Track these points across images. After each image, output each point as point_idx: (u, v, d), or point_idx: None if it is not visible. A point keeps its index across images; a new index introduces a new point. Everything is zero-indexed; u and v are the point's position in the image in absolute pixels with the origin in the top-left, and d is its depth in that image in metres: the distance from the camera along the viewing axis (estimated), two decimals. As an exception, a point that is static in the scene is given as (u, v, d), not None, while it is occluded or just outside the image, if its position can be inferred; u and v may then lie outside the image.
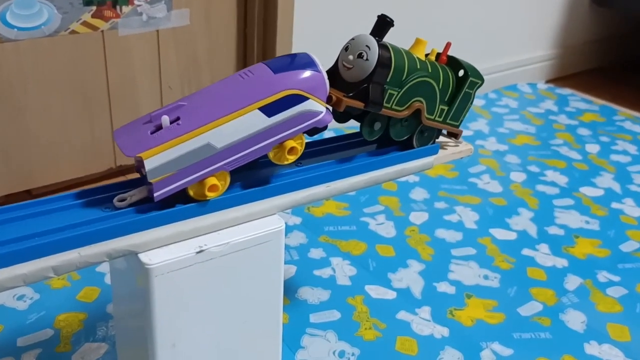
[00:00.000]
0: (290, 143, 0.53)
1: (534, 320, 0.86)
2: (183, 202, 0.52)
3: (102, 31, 1.02)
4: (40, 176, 1.06)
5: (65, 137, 1.05)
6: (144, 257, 0.49)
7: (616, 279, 0.95)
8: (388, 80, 0.58)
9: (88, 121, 1.07)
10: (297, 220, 1.05)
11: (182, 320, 0.53)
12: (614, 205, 1.17)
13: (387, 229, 1.04)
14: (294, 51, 1.20)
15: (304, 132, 0.54)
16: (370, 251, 0.98)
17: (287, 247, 0.97)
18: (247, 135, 0.51)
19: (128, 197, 0.51)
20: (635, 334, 0.84)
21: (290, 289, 0.89)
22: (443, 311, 0.86)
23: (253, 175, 0.57)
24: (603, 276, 0.96)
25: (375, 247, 0.99)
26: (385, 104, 0.58)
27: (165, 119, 0.49)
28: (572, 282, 0.94)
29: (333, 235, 1.01)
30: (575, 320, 0.86)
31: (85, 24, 1.00)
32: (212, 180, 0.51)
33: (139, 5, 1.04)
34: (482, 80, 0.67)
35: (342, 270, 0.93)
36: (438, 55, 0.66)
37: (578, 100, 1.70)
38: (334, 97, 0.56)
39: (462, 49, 1.53)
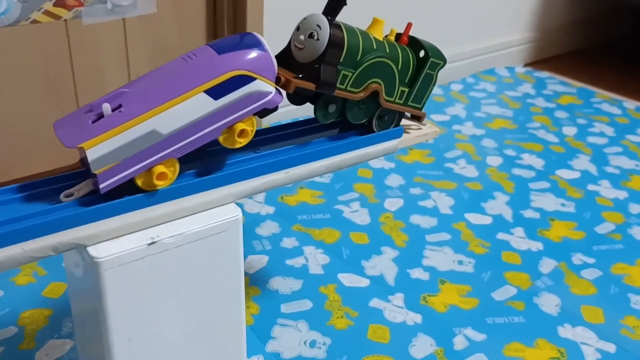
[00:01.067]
0: (240, 126, 0.52)
1: (508, 305, 0.85)
2: (132, 193, 0.50)
3: (66, 20, 0.99)
4: (8, 170, 1.03)
5: (31, 129, 1.03)
6: (92, 250, 0.48)
7: (591, 261, 0.95)
8: (341, 60, 0.56)
9: (55, 113, 1.04)
10: (270, 209, 1.03)
11: (136, 314, 0.51)
12: (590, 187, 1.16)
13: (361, 217, 1.03)
14: (266, 37, 1.18)
15: (254, 114, 0.52)
16: (344, 239, 0.97)
17: (260, 237, 0.96)
18: (194, 119, 0.49)
19: (75, 191, 0.50)
20: (609, 315, 0.84)
21: (261, 279, 0.87)
22: (416, 298, 0.85)
23: (208, 163, 0.55)
24: (578, 258, 0.96)
25: (349, 234, 0.98)
26: (339, 86, 0.57)
27: (107, 107, 0.47)
28: (547, 265, 0.94)
29: (306, 223, 1.00)
30: (549, 303, 0.86)
31: (47, 13, 0.97)
32: (160, 169, 0.49)
33: (102, -7, 1.01)
34: (444, 60, 0.65)
35: (315, 259, 0.92)
36: (398, 35, 0.65)
37: (556, 83, 1.69)
38: (282, 78, 0.54)
39: (439, 33, 1.52)
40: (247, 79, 0.50)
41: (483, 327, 0.81)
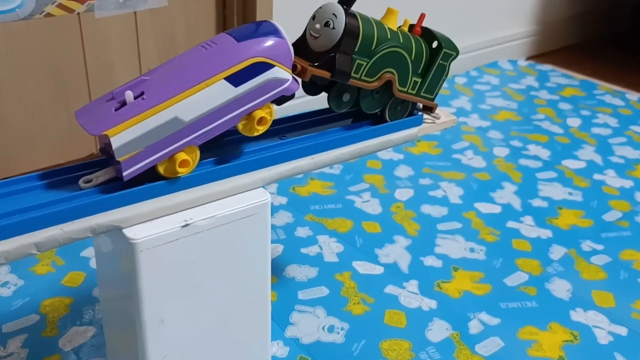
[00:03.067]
0: (259, 113, 0.52)
1: (520, 290, 0.86)
2: (153, 181, 0.50)
3: (78, 13, 1.00)
4: (17, 164, 1.04)
5: (41, 123, 1.03)
6: (128, 232, 0.49)
7: (600, 247, 0.97)
8: (356, 49, 0.57)
9: (65, 106, 1.05)
10: (282, 200, 1.04)
11: (169, 295, 0.52)
12: (596, 176, 1.18)
13: (372, 206, 1.04)
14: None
15: (271, 102, 0.53)
16: (357, 228, 0.98)
17: (274, 227, 0.97)
18: (215, 106, 0.50)
19: (94, 178, 0.50)
20: (619, 299, 0.85)
21: (277, 267, 0.88)
22: (430, 284, 0.87)
23: (237, 149, 0.56)
24: (587, 245, 0.97)
25: (361, 224, 0.99)
26: (353, 75, 0.57)
27: (129, 95, 0.47)
28: (557, 252, 0.95)
29: (319, 213, 1.01)
30: (560, 288, 0.87)
31: (61, 6, 0.98)
32: (182, 156, 0.50)
33: (115, -14, 1.02)
34: (457, 51, 0.66)
35: (329, 248, 0.93)
36: (412, 26, 0.66)
37: (558, 75, 1.71)
38: (298, 66, 0.55)
39: (442, 26, 1.53)
40: (266, 66, 0.51)
41: (497, 311, 0.82)
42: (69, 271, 0.86)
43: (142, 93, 0.48)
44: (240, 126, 0.53)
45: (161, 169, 0.50)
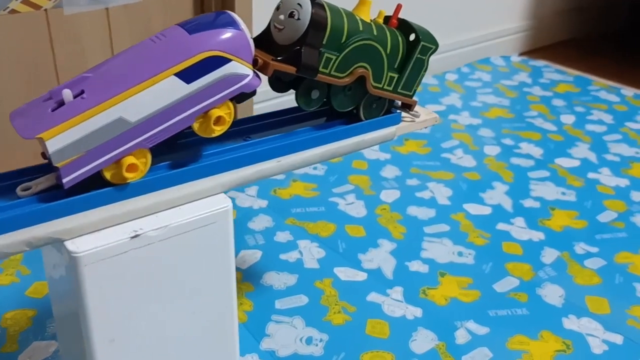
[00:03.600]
0: (216, 112, 0.48)
1: (510, 296, 0.82)
2: (99, 188, 0.46)
3: (46, 10, 0.96)
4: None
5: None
6: (70, 244, 0.44)
7: (594, 250, 0.92)
8: (324, 42, 0.52)
9: (37, 107, 1.00)
10: (263, 203, 1.00)
11: (119, 313, 0.48)
12: (590, 175, 1.14)
13: (357, 209, 1.00)
14: (255, 22, 1.15)
15: (230, 99, 0.49)
16: (340, 232, 0.93)
17: (252, 232, 0.93)
18: (165, 105, 0.45)
19: (34, 185, 0.46)
20: (614, 305, 0.81)
21: (255, 275, 0.84)
22: (416, 291, 0.82)
23: (195, 151, 0.52)
24: (580, 248, 0.93)
25: (344, 227, 0.95)
26: (321, 69, 0.53)
27: (67, 93, 0.43)
28: (549, 255, 0.91)
29: (301, 217, 0.97)
30: (553, 294, 0.83)
31: (26, 2, 0.93)
32: (129, 160, 0.46)
33: (84, -19, 0.97)
34: (436, 44, 0.62)
35: (310, 253, 0.88)
36: (387, 18, 0.61)
37: (552, 71, 1.67)
38: (260, 61, 0.50)
39: (433, 22, 1.49)
40: (222, 61, 0.46)
41: (485, 320, 0.78)
42: (34, 281, 0.81)
43: (82, 92, 0.44)
44: (195, 126, 0.48)
45: (108, 175, 0.46)
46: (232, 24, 0.48)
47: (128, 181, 0.46)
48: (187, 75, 0.45)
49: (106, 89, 0.44)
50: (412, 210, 1.00)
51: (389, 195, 1.04)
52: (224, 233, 0.51)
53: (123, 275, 0.46)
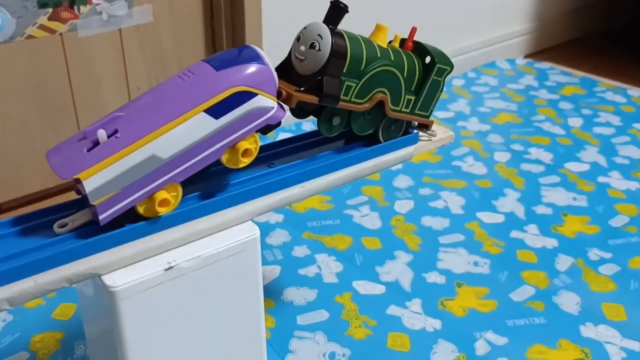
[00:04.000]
0: (244, 145, 0.49)
1: (527, 305, 0.83)
2: (133, 222, 0.47)
3: (61, 34, 0.97)
4: (6, 189, 1.01)
5: (29, 146, 1.00)
6: (107, 279, 0.46)
7: (608, 255, 0.93)
8: (344, 71, 0.54)
9: (53, 128, 1.02)
10: (279, 217, 1.01)
11: (155, 341, 0.49)
12: (601, 179, 1.15)
13: (372, 221, 1.01)
14: (265, 40, 1.16)
15: (256, 132, 0.50)
16: (356, 245, 0.95)
17: (270, 247, 0.94)
18: (195, 141, 0.47)
19: (70, 221, 0.47)
20: (631, 312, 0.82)
21: (275, 290, 0.85)
22: (434, 302, 0.83)
23: (223, 180, 0.53)
24: (594, 254, 0.94)
25: (360, 240, 0.96)
26: (342, 97, 0.54)
27: (102, 133, 0.44)
28: (564, 262, 0.92)
29: (317, 230, 0.98)
30: (569, 302, 0.84)
31: (42, 27, 0.95)
32: (162, 195, 0.47)
33: (97, 4, 0.99)
34: (451, 66, 0.63)
35: (328, 267, 0.90)
36: (403, 41, 0.62)
37: (558, 73, 1.68)
38: (284, 92, 0.51)
39: (437, 29, 1.50)
40: (248, 95, 0.48)
41: (504, 330, 0.79)
42: (60, 303, 0.83)
43: (116, 131, 0.45)
44: (224, 159, 0.49)
45: (141, 210, 0.47)
46: (256, 58, 0.49)
47: (160, 215, 0.48)
48: (216, 111, 0.47)
49: (139, 127, 0.45)
50: (427, 221, 1.01)
51: (403, 206, 1.05)
52: (253, 260, 0.52)
53: (157, 305, 0.48)
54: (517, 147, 1.26)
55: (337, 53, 0.53)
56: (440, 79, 0.62)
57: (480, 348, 0.76)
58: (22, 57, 0.95)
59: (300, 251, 0.93)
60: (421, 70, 0.62)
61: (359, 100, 0.56)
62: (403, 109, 0.61)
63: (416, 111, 0.62)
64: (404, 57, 0.60)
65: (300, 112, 0.57)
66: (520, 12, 1.75)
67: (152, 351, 0.49)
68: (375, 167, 0.60)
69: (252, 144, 0.50)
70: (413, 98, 0.61)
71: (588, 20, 1.98)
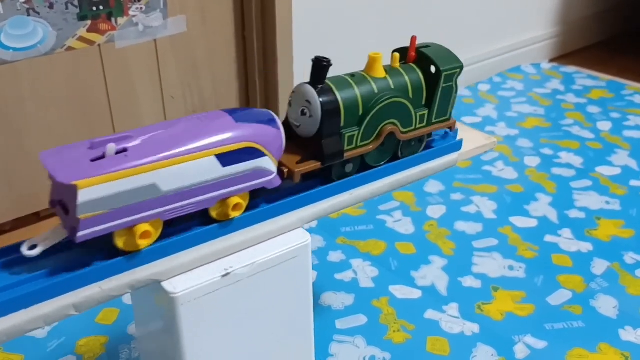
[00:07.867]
0: (235, 199, 0.49)
1: (565, 309, 0.83)
2: (191, 229, 0.48)
3: (99, 45, 1.00)
4: (47, 198, 1.04)
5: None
6: (167, 285, 0.47)
7: (644, 259, 0.93)
8: (342, 124, 0.53)
9: (90, 137, 1.04)
10: (313, 223, 1.02)
11: (210, 345, 0.50)
12: (633, 182, 1.14)
13: (405, 226, 1.02)
14: (296, 50, 1.18)
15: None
16: (391, 250, 0.96)
17: (305, 252, 0.95)
18: (197, 182, 0.46)
19: (40, 242, 0.45)
20: (670, 316, 0.82)
21: (313, 295, 0.86)
22: (471, 306, 0.84)
23: (273, 189, 0.55)
24: (630, 257, 0.94)
25: (394, 245, 0.97)
26: (347, 148, 0.54)
27: (112, 147, 0.43)
28: (599, 266, 0.92)
29: (350, 236, 0.99)
30: (607, 305, 0.84)
31: (81, 39, 0.97)
32: (144, 227, 0.45)
33: (134, 16, 1.01)
34: (460, 65, 0.60)
35: (364, 272, 0.91)
36: (404, 51, 0.60)
37: (584, 77, 1.67)
38: (285, 171, 0.52)
39: (462, 34, 1.51)
40: (258, 153, 0.49)
41: (543, 333, 0.79)
42: (102, 308, 0.85)
43: (125, 149, 0.44)
44: (213, 210, 0.49)
45: (120, 242, 0.46)
46: (273, 122, 0.50)
47: (139, 249, 0.46)
48: (225, 159, 0.47)
49: (149, 152, 0.44)
50: (460, 226, 1.02)
51: (435, 211, 1.06)
52: (304, 266, 0.53)
53: (214, 310, 0.49)
54: (546, 151, 1.26)
55: (329, 113, 0.52)
56: (451, 83, 0.60)
57: (520, 352, 0.76)
58: (62, 69, 0.97)
59: (335, 256, 0.94)
60: (427, 82, 0.59)
61: (366, 142, 0.55)
62: (417, 126, 0.59)
63: (433, 121, 0.61)
64: (406, 77, 0.58)
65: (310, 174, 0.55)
66: (544, 16, 1.75)
67: (208, 353, 0.51)
68: (420, 173, 0.61)
69: (243, 199, 0.50)
70: (426, 112, 0.59)
71: (612, 22, 1.97)
